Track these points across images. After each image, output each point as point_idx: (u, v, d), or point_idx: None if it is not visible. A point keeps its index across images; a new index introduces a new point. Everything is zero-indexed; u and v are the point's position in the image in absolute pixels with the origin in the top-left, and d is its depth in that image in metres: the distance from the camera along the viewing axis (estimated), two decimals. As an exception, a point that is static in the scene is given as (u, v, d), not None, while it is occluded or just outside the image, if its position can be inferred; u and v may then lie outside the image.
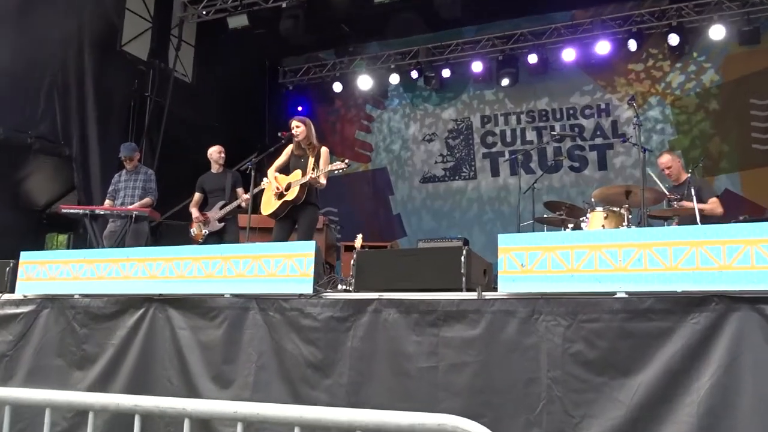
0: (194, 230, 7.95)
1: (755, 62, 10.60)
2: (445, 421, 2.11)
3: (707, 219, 6.52)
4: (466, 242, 8.43)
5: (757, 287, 3.71)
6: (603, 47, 11.14)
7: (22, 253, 6.18)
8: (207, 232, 7.87)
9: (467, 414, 2.51)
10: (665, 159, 7.31)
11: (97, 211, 7.53)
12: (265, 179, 6.81)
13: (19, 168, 9.35)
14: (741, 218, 6.57)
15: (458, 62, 12.41)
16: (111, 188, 8.14)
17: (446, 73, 12.34)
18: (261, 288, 5.08)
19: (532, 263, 4.28)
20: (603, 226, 6.22)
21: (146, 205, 7.85)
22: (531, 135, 12.12)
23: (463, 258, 4.72)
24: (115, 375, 5.38)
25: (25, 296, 6.02)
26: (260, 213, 6.79)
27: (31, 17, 9.15)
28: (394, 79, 12.66)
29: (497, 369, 4.15)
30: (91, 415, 2.57)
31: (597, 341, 3.94)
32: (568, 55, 11.38)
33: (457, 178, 12.66)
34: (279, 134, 6.71)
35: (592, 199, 6.66)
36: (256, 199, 6.85)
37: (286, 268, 5.03)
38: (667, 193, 6.72)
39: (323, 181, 6.42)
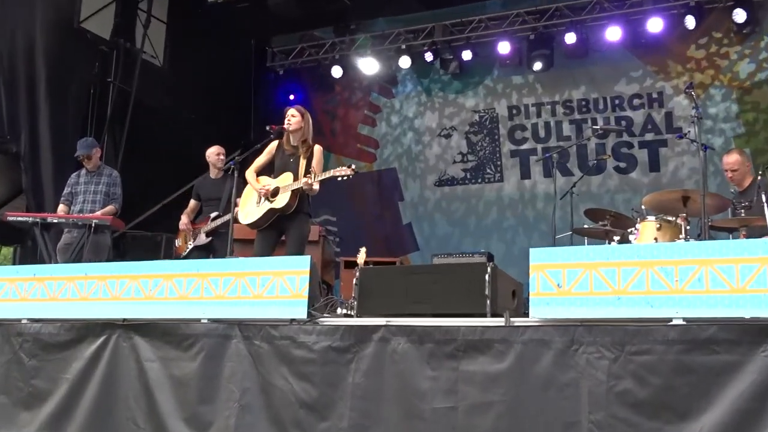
0: (178, 241, 7.99)
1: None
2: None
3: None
4: (490, 258, 8.41)
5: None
6: (655, 25, 11.10)
7: (-41, 270, 6.21)
8: (191, 246, 7.89)
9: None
10: (733, 159, 7.23)
11: (49, 219, 7.55)
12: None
13: (-46, 169, 9.41)
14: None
15: (481, 42, 12.38)
16: (66, 191, 8.16)
17: (467, 55, 12.32)
18: (245, 312, 5.09)
19: (570, 283, 4.27)
20: (655, 239, 6.19)
21: (109, 212, 7.87)
22: (568, 129, 12.09)
23: (487, 277, 4.72)
24: (69, 416, 5.38)
25: (-38, 321, 6.04)
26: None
27: (-32, -11, 9.23)
28: (405, 62, 12.64)
29: (528, 411, 4.14)
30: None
31: (649, 378, 3.93)
32: (613, 34, 11.35)
33: (479, 180, 12.64)
34: (267, 128, 6.71)
35: (642, 207, 6.63)
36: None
37: (275, 287, 5.04)
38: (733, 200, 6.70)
39: (318, 186, 6.42)
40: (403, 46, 12.63)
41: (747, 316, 3.86)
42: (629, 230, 6.67)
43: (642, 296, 4.09)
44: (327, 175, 6.31)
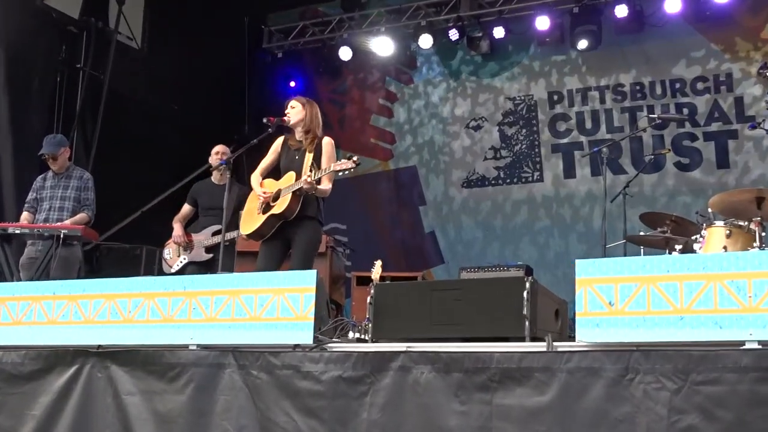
0: (168, 252, 8.03)
1: None
2: None
3: None
4: (529, 271, 8.41)
5: None
6: (722, -6, 11.11)
7: None
8: (185, 260, 7.94)
9: None
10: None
11: (10, 230, 7.60)
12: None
13: None
14: None
15: (516, 17, 12.41)
16: (31, 197, 8.22)
17: (499, 32, 12.34)
18: (240, 337, 5.11)
19: (624, 301, 4.27)
20: (725, 247, 6.18)
21: (80, 221, 7.93)
22: (620, 119, 12.08)
23: (525, 294, 4.73)
24: (36, 459, 5.43)
25: None
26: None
27: None
28: (426, 41, 12.67)
29: (575, 451, 4.15)
30: None
31: (718, 411, 3.92)
32: (673, 5, 11.34)
33: (515, 180, 12.65)
34: (264, 120, 6.72)
35: (709, 210, 6.62)
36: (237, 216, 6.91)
37: (275, 308, 5.06)
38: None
39: (327, 186, 6.44)
40: (424, 23, 12.66)
41: (834, 338, 3.86)
42: (693, 238, 6.65)
43: (709, 315, 4.07)
44: (325, 172, 6.33)
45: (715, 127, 11.49)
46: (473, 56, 12.96)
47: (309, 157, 6.50)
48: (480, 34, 12.42)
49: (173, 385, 5.16)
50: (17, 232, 7.62)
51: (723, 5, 11.11)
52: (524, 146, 12.66)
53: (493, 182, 12.79)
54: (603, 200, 8.12)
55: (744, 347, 3.99)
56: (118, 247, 10.45)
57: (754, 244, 6.17)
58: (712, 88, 11.58)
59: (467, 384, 4.44)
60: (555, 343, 4.48)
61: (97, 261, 10.30)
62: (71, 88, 10.92)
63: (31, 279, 7.43)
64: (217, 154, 8.14)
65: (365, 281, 7.84)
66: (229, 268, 7.85)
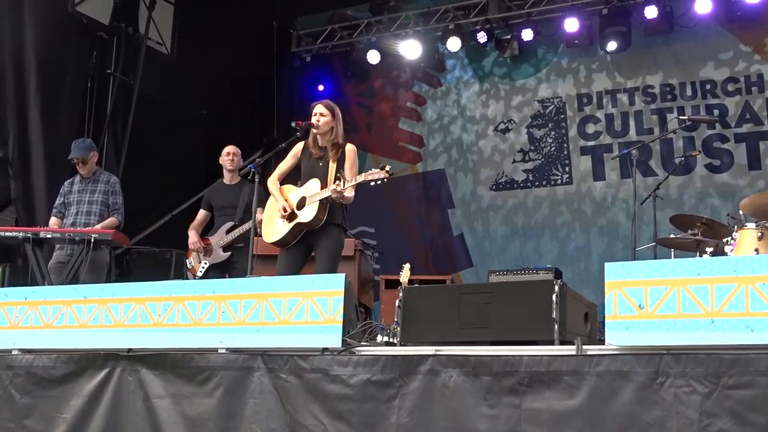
0: (191, 261, 8.05)
1: None
2: None
3: None
4: (558, 274, 8.39)
5: None
6: (753, -6, 11.02)
7: (-60, 294, 6.33)
8: (206, 265, 7.97)
9: None
10: None
11: (42, 234, 7.66)
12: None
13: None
14: None
15: (545, 19, 12.39)
16: (59, 201, 8.27)
17: (528, 34, 12.32)
18: (269, 340, 5.13)
19: (654, 304, 4.25)
20: (757, 250, 6.13)
21: (111, 226, 7.97)
22: (650, 121, 12.02)
23: (554, 297, 4.71)
24: (68, 462, 5.47)
25: (-56, 352, 6.16)
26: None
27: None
28: (454, 44, 12.67)
29: (606, 455, 4.13)
30: None
31: (750, 416, 3.89)
32: (703, 6, 11.27)
33: (544, 183, 12.61)
34: (293, 124, 6.73)
35: (741, 212, 6.58)
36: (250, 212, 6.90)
37: (304, 311, 5.07)
38: None
39: (351, 193, 6.44)
40: (452, 26, 12.67)
41: None
42: (724, 240, 6.62)
43: (741, 319, 4.04)
44: (357, 180, 6.31)
45: (746, 128, 11.41)
46: (502, 59, 12.94)
47: (333, 166, 6.50)
48: (508, 37, 12.42)
49: (203, 388, 5.19)
50: (49, 236, 7.68)
51: (754, 5, 11.02)
52: (553, 148, 12.62)
53: (521, 184, 12.75)
54: (632, 203, 8.07)
55: (777, 351, 3.97)
56: (148, 250, 10.53)
57: (787, 247, 6.13)
58: (743, 89, 11.50)
59: (496, 387, 4.44)
60: (584, 347, 4.46)
61: (128, 265, 10.38)
62: (102, 93, 11.00)
63: (62, 283, 7.48)
64: (228, 155, 8.15)
65: (394, 284, 7.85)
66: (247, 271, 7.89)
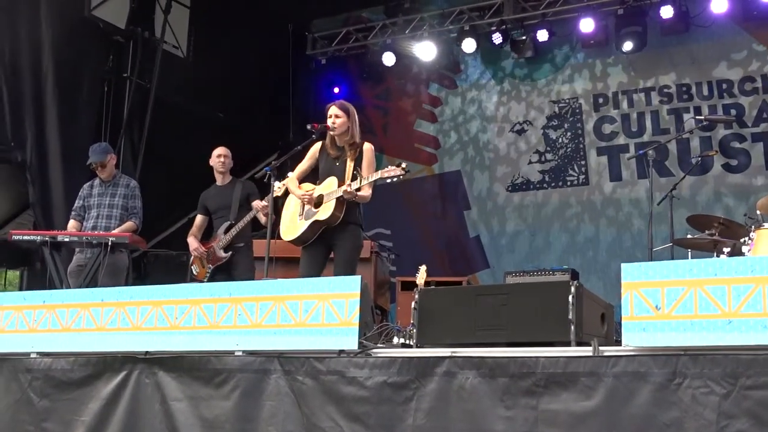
0: (195, 268, 8.07)
1: None
2: None
3: None
4: (575, 275, 8.37)
5: None
6: (770, -7, 10.98)
7: (-41, 297, 6.38)
8: (210, 269, 7.98)
9: None
10: None
11: (60, 238, 7.68)
12: (276, 183, 6.87)
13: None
14: None
15: (560, 19, 12.37)
16: (78, 204, 8.31)
17: (543, 35, 12.31)
18: (286, 342, 5.14)
19: (671, 305, 4.23)
20: (774, 250, 6.11)
21: (128, 229, 8.00)
22: (666, 121, 11.98)
23: (571, 298, 4.70)
24: (86, 464, 5.49)
25: (-37, 356, 6.20)
26: (280, 238, 6.85)
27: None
28: (469, 45, 12.67)
29: (623, 456, 4.11)
30: None
31: (768, 416, 3.88)
32: (719, 5, 11.23)
33: (560, 184, 12.59)
34: (308, 126, 6.76)
35: (758, 212, 6.56)
36: (277, 219, 6.91)
37: (320, 314, 5.08)
38: None
39: (368, 192, 6.45)
40: (467, 27, 12.68)
41: None
42: (742, 240, 6.60)
43: (758, 319, 4.02)
44: (372, 177, 6.32)
45: (763, 127, 11.36)
46: (517, 59, 12.94)
47: (351, 165, 6.52)
48: (524, 38, 12.42)
49: (219, 391, 5.20)
50: (66, 239, 7.70)
51: (771, 4, 10.97)
52: (569, 149, 12.60)
53: (537, 185, 12.74)
54: (649, 203, 8.04)
55: (794, 351, 3.95)
56: (165, 254, 10.56)
57: (805, 247, 6.10)
58: (761, 88, 11.45)
59: (513, 389, 4.43)
60: (601, 348, 4.45)
61: (145, 268, 10.42)
62: (118, 96, 11.05)
63: (80, 286, 7.52)
64: (219, 156, 8.16)
65: (410, 286, 7.85)
66: (248, 269, 7.88)
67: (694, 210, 9.73)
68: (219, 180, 8.19)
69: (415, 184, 13.20)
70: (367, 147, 6.63)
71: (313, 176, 6.84)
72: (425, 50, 12.92)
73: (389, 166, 6.22)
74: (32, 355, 6.00)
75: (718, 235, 7.08)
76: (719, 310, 4.12)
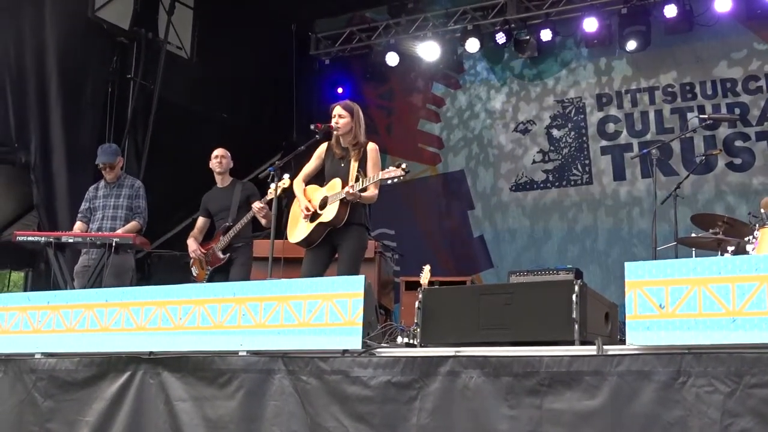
0: (195, 270, 8.06)
1: None
2: None
3: None
4: (578, 274, 8.35)
5: None
6: (773, -9, 10.97)
7: (-37, 298, 6.39)
8: (209, 270, 7.97)
9: None
10: None
11: (64, 239, 7.68)
12: (283, 180, 6.87)
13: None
14: None
15: (563, 19, 12.37)
16: (84, 206, 8.31)
17: (546, 35, 12.30)
18: (290, 342, 5.14)
19: (675, 303, 4.23)
20: (778, 248, 6.10)
21: (132, 230, 8.01)
22: (671, 120, 11.97)
23: (575, 297, 4.69)
24: (91, 464, 5.50)
25: (-32, 357, 6.21)
26: (285, 239, 6.85)
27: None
28: (473, 45, 12.67)
29: (627, 456, 4.11)
30: None
31: (773, 415, 3.87)
32: (722, 4, 11.22)
33: (564, 183, 12.58)
34: (312, 126, 6.76)
35: (762, 211, 6.54)
36: (280, 220, 6.91)
37: (324, 313, 5.08)
38: None
39: (373, 192, 6.44)
40: (470, 27, 12.68)
41: None
42: (746, 239, 6.59)
43: (763, 317, 4.02)
44: (373, 180, 6.30)
45: (767, 126, 11.34)
46: (521, 59, 12.94)
47: (355, 165, 6.50)
48: (527, 37, 12.41)
49: (224, 391, 5.21)
50: (71, 240, 7.69)
51: (774, 2, 10.96)
52: (573, 149, 12.60)
53: (541, 185, 12.73)
54: (653, 202, 8.03)
55: (799, 349, 3.94)
56: (169, 254, 10.57)
57: (809, 245, 6.09)
58: (765, 86, 11.44)
59: (517, 388, 4.43)
60: (605, 347, 4.45)
61: (149, 268, 10.44)
62: (122, 97, 11.06)
63: (85, 287, 7.53)
64: (216, 158, 8.13)
65: (414, 286, 7.83)
66: (246, 270, 7.85)
67: (698, 209, 9.74)
68: (219, 182, 8.18)
69: (418, 184, 13.20)
70: (371, 147, 6.61)
71: (319, 177, 6.83)
72: (429, 50, 12.92)
73: (390, 167, 6.21)
74: (37, 356, 6.01)
75: (722, 233, 7.07)
76: (723, 308, 4.11)
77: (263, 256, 7.36)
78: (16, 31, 9.88)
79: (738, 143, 11.47)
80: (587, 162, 12.48)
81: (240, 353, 5.28)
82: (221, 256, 7.87)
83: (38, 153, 9.90)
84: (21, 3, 9.95)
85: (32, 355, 6.03)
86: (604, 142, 12.41)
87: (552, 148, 12.74)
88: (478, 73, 13.48)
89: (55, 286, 7.61)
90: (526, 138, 12.94)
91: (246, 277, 7.56)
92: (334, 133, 6.62)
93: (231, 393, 5.18)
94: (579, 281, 4.82)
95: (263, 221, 7.62)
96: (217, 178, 8.17)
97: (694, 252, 7.57)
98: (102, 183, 8.31)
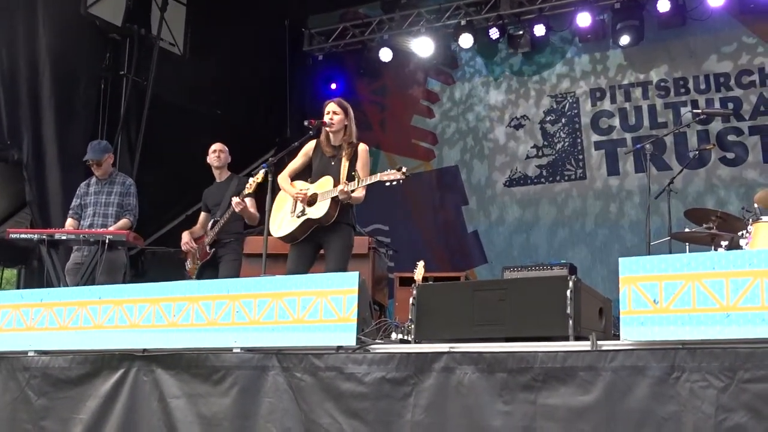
0: (188, 263, 8.05)
1: None
2: None
3: None
4: (573, 270, 8.36)
5: None
6: (766, -15, 10.98)
7: (-44, 296, 6.38)
8: (200, 264, 7.95)
9: None
10: None
11: (57, 236, 7.67)
12: (257, 175, 6.85)
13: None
14: None
15: (557, 14, 12.35)
16: (75, 203, 8.29)
17: (540, 30, 12.30)
18: (284, 339, 5.14)
19: (669, 299, 4.24)
20: (772, 243, 6.11)
21: (122, 227, 7.99)
22: (664, 115, 11.97)
23: (569, 292, 4.70)
24: (85, 462, 5.49)
25: (-40, 355, 6.20)
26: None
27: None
28: (466, 41, 12.64)
29: (621, 451, 4.11)
30: None
31: (766, 410, 3.88)
32: (716, -3, 11.25)
33: (558, 179, 12.58)
34: (306, 122, 6.74)
35: (756, 205, 6.55)
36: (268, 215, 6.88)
37: (318, 310, 5.08)
38: None
39: (361, 194, 6.42)
40: (464, 22, 12.64)
41: None
42: (740, 234, 6.59)
43: (756, 312, 4.03)
44: (372, 180, 6.28)
45: (760, 121, 11.35)
46: (514, 54, 12.92)
47: (346, 164, 6.48)
48: (521, 32, 12.40)
49: (218, 388, 5.21)
50: (63, 237, 7.68)
51: (767, -3, 10.98)
52: (567, 144, 12.60)
53: (535, 180, 12.73)
54: (646, 197, 8.04)
55: (792, 344, 3.95)
56: (163, 251, 10.55)
57: (803, 239, 6.10)
58: (757, 81, 11.44)
59: (511, 384, 4.44)
60: (599, 342, 4.45)
61: (142, 265, 10.42)
62: (115, 94, 11.04)
63: (77, 284, 7.51)
64: (214, 152, 8.07)
65: (408, 282, 7.83)
66: (233, 266, 7.81)
67: (692, 203, 9.74)
68: (217, 176, 8.15)
69: (412, 180, 12.98)
70: (362, 148, 6.60)
71: (306, 174, 6.81)
72: (422, 46, 12.90)
73: (389, 169, 6.19)
74: (30, 354, 6.00)
75: (716, 228, 7.07)
76: (717, 303, 4.12)
77: (253, 252, 7.35)
78: (8, 28, 9.85)
79: (731, 138, 11.48)
80: (581, 157, 12.48)
81: (234, 350, 5.28)
82: (208, 250, 7.83)
83: (31, 150, 9.88)
84: (13, 1, 9.90)
85: (25, 352, 6.02)
86: (597, 137, 12.41)
87: (546, 143, 12.74)
88: (471, 69, 13.46)
89: (48, 284, 7.57)
90: (519, 133, 12.93)
91: (235, 275, 7.53)
92: (326, 129, 6.61)
93: (225, 390, 5.18)
94: (573, 276, 4.83)
95: (247, 217, 7.57)
96: (215, 172, 8.13)
97: (687, 247, 7.58)
98: (93, 180, 8.28)
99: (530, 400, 4.37)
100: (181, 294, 5.61)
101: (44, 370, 5.83)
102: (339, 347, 4.98)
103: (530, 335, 4.75)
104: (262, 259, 6.48)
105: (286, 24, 13.85)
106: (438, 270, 10.10)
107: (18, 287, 10.41)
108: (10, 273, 11.74)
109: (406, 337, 5.33)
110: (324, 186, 6.45)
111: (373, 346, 5.01)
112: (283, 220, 6.61)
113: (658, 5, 11.41)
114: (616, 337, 4.61)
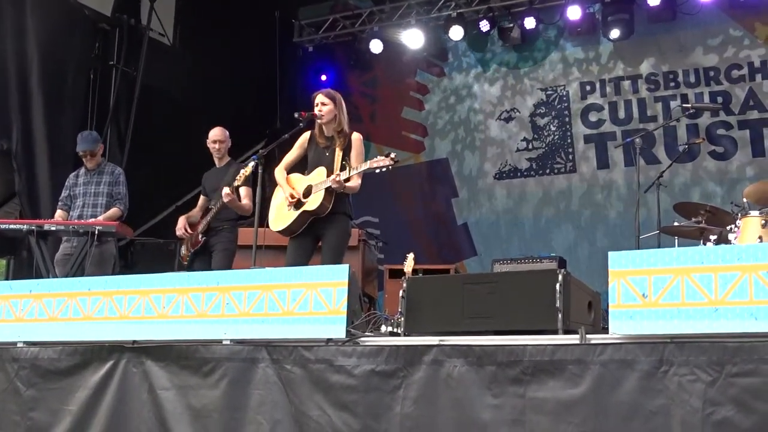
0: (183, 249, 8.02)
1: None
2: None
3: None
4: (562, 263, 8.38)
5: None
6: (756, -21, 11.00)
7: (-56, 287, 6.35)
8: (192, 251, 7.91)
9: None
10: None
11: (46, 227, 7.66)
12: (247, 167, 6.88)
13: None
14: None
15: (547, 7, 12.36)
16: (64, 194, 8.28)
17: (530, 22, 12.30)
18: (274, 331, 5.14)
19: (657, 293, 4.25)
20: (761, 237, 6.13)
21: (113, 216, 7.98)
22: (653, 108, 12.00)
23: (558, 286, 4.71)
24: (73, 454, 5.49)
25: (-51, 346, 6.18)
26: (267, 227, 6.82)
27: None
28: (457, 33, 12.65)
29: (610, 444, 4.12)
30: None
31: (754, 403, 3.89)
32: (706, -8, 11.27)
33: (547, 171, 12.61)
34: (296, 114, 6.74)
35: (744, 200, 6.58)
36: (263, 207, 6.86)
37: (308, 302, 5.08)
38: None
39: (356, 183, 6.44)
40: (454, 14, 12.65)
41: None
42: (728, 228, 6.62)
43: (744, 307, 4.04)
44: (361, 168, 6.29)
45: (751, 115, 11.39)
46: (504, 47, 12.93)
47: (340, 154, 6.50)
48: (511, 25, 12.40)
49: (207, 380, 5.20)
50: (53, 228, 7.68)
51: (759, -9, 11.00)
52: (556, 137, 12.61)
53: (525, 173, 12.75)
54: (636, 190, 8.05)
55: (780, 338, 3.96)
56: (153, 242, 10.54)
57: (791, 234, 6.12)
58: (747, 75, 11.47)
59: (500, 377, 4.45)
60: (588, 336, 4.46)
61: (132, 256, 10.40)
62: (104, 84, 11.02)
63: (67, 275, 7.50)
64: (214, 143, 8.02)
65: (398, 274, 7.85)
66: (225, 255, 7.76)
67: (681, 197, 9.76)
68: (217, 161, 8.09)
69: (402, 172, 13.17)
70: (356, 137, 6.61)
71: (302, 166, 6.82)
72: (412, 38, 12.90)
73: (378, 156, 6.21)
74: (19, 345, 5.99)
75: (705, 222, 7.10)
76: (706, 298, 4.13)
77: (246, 244, 7.32)
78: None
79: (721, 132, 11.51)
80: (570, 150, 12.50)
81: (224, 342, 5.27)
82: (200, 238, 7.78)
83: (20, 140, 9.86)
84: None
85: (14, 343, 6.00)
86: (587, 131, 12.43)
87: (536, 136, 12.75)
88: (462, 61, 13.47)
89: (38, 275, 7.55)
90: (509, 126, 12.94)
91: (228, 265, 7.51)
92: (318, 121, 6.62)
93: (215, 382, 5.18)
94: (562, 270, 4.84)
95: (237, 211, 7.54)
96: (215, 157, 8.07)
97: (676, 241, 7.61)
98: (82, 170, 8.27)
99: (519, 394, 4.38)
100: (170, 286, 5.60)
101: (33, 361, 5.82)
102: (329, 340, 4.98)
103: (519, 328, 4.76)
104: (274, 249, 6.48)
105: (276, 15, 13.82)
106: (428, 262, 10.11)
107: (7, 278, 10.36)
108: (-2, 263, 11.70)
109: (395, 330, 5.34)
110: (318, 177, 6.46)
111: (362, 339, 5.01)
112: (280, 214, 6.62)
113: (648, -1, 11.44)
114: (605, 330, 4.62)
